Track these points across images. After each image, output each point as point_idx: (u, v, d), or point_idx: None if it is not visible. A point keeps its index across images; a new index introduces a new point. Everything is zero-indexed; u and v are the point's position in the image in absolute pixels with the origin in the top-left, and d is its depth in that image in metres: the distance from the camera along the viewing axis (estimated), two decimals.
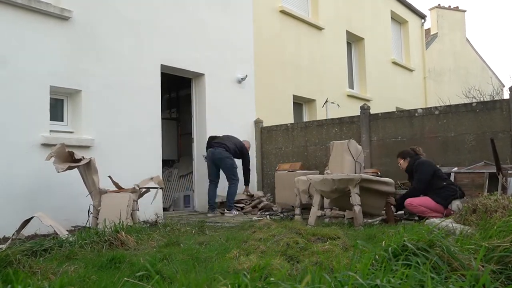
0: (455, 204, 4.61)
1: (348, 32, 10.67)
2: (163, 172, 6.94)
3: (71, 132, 5.23)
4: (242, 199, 6.73)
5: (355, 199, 4.44)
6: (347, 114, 7.55)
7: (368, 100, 10.55)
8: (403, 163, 5.14)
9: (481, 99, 13.96)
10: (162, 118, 6.35)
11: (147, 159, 5.82)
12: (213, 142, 6.48)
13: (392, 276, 1.71)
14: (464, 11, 17.47)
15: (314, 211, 4.67)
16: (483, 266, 1.92)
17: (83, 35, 5.30)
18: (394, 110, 10.23)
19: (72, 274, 2.49)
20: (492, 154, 4.80)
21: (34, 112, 4.79)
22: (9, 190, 4.51)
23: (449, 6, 17.19)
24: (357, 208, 4.40)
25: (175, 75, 6.82)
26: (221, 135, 6.65)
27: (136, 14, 5.95)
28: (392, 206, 4.80)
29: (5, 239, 4.14)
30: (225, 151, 6.34)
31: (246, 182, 6.70)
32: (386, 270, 1.80)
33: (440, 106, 6.13)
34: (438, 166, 5.68)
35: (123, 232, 3.58)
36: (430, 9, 16.74)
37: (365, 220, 4.58)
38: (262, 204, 6.49)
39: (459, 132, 5.76)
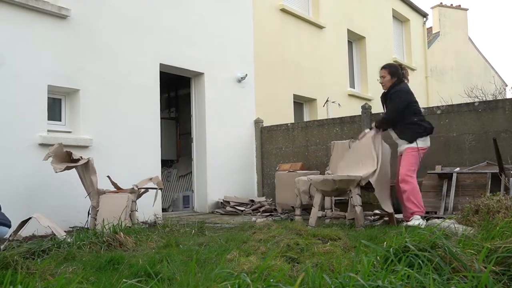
0: (420, 141, 4.52)
1: (349, 31, 10.63)
2: (162, 172, 6.92)
3: (69, 132, 5.20)
4: (244, 203, 6.70)
5: (356, 199, 4.41)
6: (348, 113, 7.51)
7: (369, 100, 10.51)
8: (386, 80, 4.70)
9: (484, 99, 13.89)
10: (161, 118, 6.32)
11: (146, 159, 5.79)
12: None
13: (394, 277, 1.69)
14: (466, 9, 17.40)
15: (315, 212, 4.64)
16: (485, 267, 1.90)
17: (81, 33, 5.27)
18: None
19: (70, 275, 2.46)
20: (494, 154, 4.76)
21: (31, 112, 4.76)
22: (6, 191, 4.48)
23: (451, 5, 17.13)
24: (358, 209, 4.36)
25: (174, 74, 6.80)
26: None
27: (135, 12, 5.92)
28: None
29: (2, 240, 4.11)
30: None
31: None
32: (388, 271, 1.78)
33: (442, 106, 6.09)
34: (440, 166, 5.64)
35: (121, 233, 3.56)
36: (432, 8, 16.68)
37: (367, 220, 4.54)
38: (263, 209, 6.47)
39: (461, 132, 5.71)
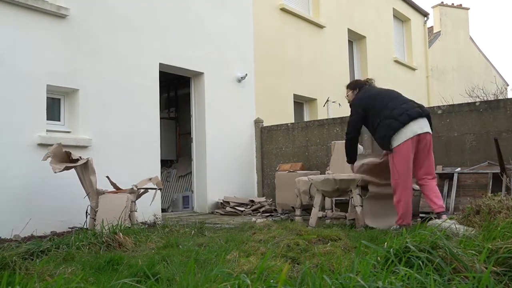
0: (393, 142, 3.96)
1: (349, 30, 10.61)
2: (161, 173, 6.90)
3: (68, 132, 5.18)
4: (244, 203, 6.68)
5: (357, 200, 4.39)
6: (348, 113, 7.47)
7: None
8: (350, 95, 4.47)
9: (485, 99, 13.84)
10: (160, 118, 6.30)
11: (145, 159, 5.77)
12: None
13: (394, 278, 1.68)
14: (467, 8, 17.36)
15: (315, 212, 4.62)
16: (486, 268, 1.89)
17: (80, 33, 5.25)
18: None
19: (69, 276, 2.45)
20: (496, 154, 4.74)
21: (30, 112, 4.74)
22: (5, 191, 4.46)
23: (452, 4, 17.10)
24: (358, 209, 4.34)
25: (174, 74, 6.78)
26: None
27: (134, 12, 5.90)
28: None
29: (0, 241, 4.09)
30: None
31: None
32: (388, 272, 1.76)
33: (443, 106, 6.07)
34: (441, 166, 5.59)
35: (121, 234, 3.54)
36: (433, 7, 16.64)
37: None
38: (263, 209, 6.45)
39: (462, 132, 5.69)
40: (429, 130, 4.09)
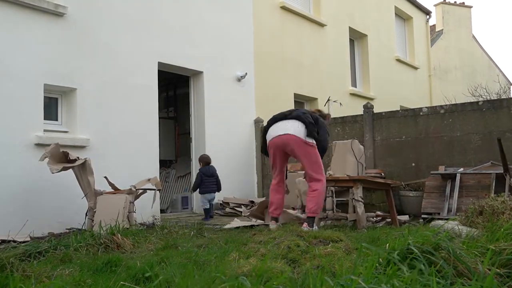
0: None
1: (351, 29, 10.55)
2: (160, 173, 6.87)
3: (65, 132, 5.14)
4: (243, 204, 6.63)
5: (358, 201, 4.34)
6: (350, 113, 7.44)
7: (371, 99, 10.44)
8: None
9: (488, 98, 13.78)
10: (159, 118, 6.27)
11: (144, 159, 5.73)
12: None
13: (397, 280, 1.64)
14: (470, 7, 17.29)
15: None
16: (489, 270, 1.86)
17: (78, 32, 5.21)
18: (398, 109, 10.11)
19: (67, 278, 2.42)
20: (499, 154, 4.70)
21: (27, 111, 4.70)
22: (2, 191, 4.43)
23: (455, 2, 17.04)
24: (359, 210, 4.30)
25: (173, 73, 6.74)
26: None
27: (133, 10, 5.86)
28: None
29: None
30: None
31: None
32: (390, 274, 1.73)
33: (446, 105, 6.03)
34: (444, 166, 5.56)
35: (119, 235, 3.51)
36: (435, 5, 16.57)
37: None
38: None
39: (465, 132, 5.64)
40: (288, 132, 4.36)
